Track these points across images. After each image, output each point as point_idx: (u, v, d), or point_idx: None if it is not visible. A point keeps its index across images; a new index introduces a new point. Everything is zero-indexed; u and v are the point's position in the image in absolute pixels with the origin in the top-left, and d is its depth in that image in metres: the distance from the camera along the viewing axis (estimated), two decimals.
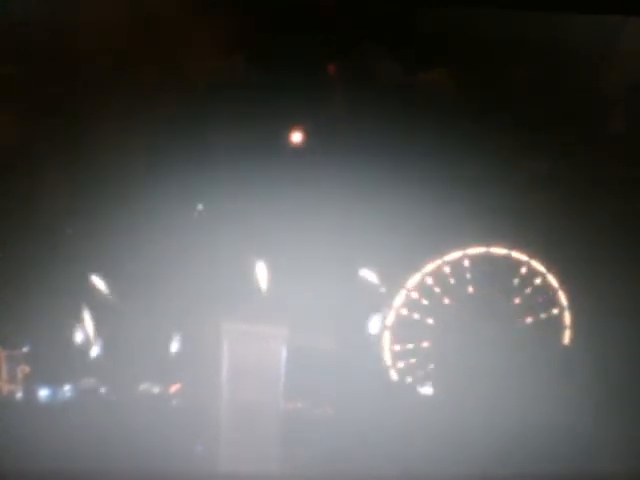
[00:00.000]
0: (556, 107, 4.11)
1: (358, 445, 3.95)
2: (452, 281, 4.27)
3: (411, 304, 4.26)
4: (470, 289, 4.26)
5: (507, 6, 3.68)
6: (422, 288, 4.26)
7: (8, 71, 3.77)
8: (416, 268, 4.26)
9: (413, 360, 4.26)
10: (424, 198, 4.03)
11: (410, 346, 4.26)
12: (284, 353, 3.92)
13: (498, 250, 4.24)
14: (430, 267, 4.27)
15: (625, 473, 3.96)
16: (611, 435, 3.99)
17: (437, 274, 4.27)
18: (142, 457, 3.77)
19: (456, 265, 4.26)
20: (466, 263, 4.26)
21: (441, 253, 4.25)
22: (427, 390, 4.24)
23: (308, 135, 3.99)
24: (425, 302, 4.26)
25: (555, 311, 4.26)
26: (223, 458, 3.90)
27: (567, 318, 4.26)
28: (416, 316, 4.26)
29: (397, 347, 4.27)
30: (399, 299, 4.26)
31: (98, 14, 3.73)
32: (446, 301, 4.27)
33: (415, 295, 4.26)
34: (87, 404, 3.94)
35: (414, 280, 4.27)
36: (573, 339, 4.26)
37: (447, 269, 4.27)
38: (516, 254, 4.24)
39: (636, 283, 4.14)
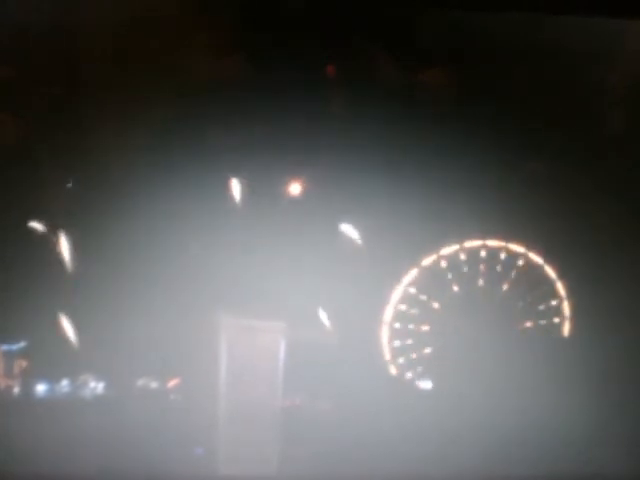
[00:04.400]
0: (556, 108, 4.14)
1: (357, 443, 3.93)
2: (449, 275, 4.27)
3: (409, 299, 4.26)
4: (467, 283, 4.27)
5: (507, 9, 3.71)
6: (419, 283, 4.27)
7: (8, 71, 3.78)
8: (413, 263, 4.26)
9: (412, 355, 4.25)
10: (423, 195, 4.04)
11: (409, 341, 4.26)
12: (282, 348, 3.91)
13: (494, 242, 4.25)
14: (427, 262, 4.28)
15: (626, 474, 3.96)
16: (611, 435, 3.98)
17: (434, 269, 4.28)
18: (139, 452, 3.74)
19: (453, 259, 4.26)
20: (462, 256, 4.26)
21: (437, 248, 4.26)
22: (426, 385, 4.23)
23: (308, 136, 3.99)
24: (423, 297, 4.26)
25: (554, 302, 4.27)
26: (221, 457, 3.87)
27: (566, 317, 4.27)
28: (414, 311, 4.26)
29: (396, 342, 4.27)
30: (397, 294, 4.26)
31: (97, 15, 3.75)
32: (443, 296, 4.27)
33: (413, 290, 4.26)
34: (83, 401, 3.91)
35: (411, 275, 4.27)
36: (572, 336, 4.27)
37: (444, 263, 4.28)
38: (513, 246, 4.25)
39: (635, 282, 4.15)
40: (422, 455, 3.90)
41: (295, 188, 4.09)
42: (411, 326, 4.25)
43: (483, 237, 4.24)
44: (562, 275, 4.27)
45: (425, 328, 4.25)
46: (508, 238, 4.24)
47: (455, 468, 3.90)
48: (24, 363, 3.89)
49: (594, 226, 4.21)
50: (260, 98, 3.87)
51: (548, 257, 4.25)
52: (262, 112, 3.88)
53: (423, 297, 4.26)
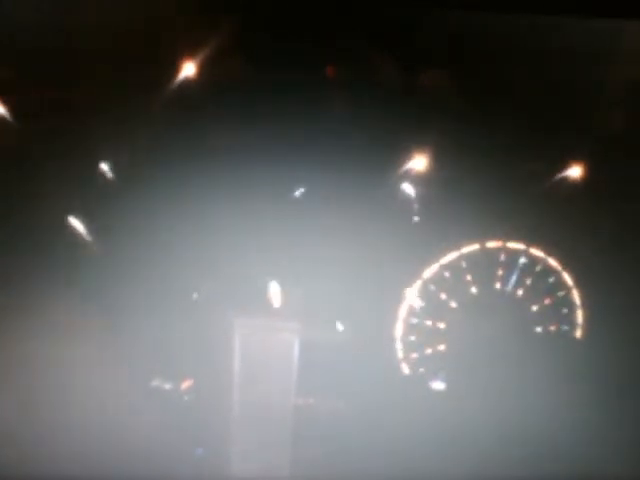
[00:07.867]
0: (557, 108, 4.17)
1: (370, 443, 3.92)
2: (456, 280, 4.27)
3: (419, 306, 4.29)
4: (484, 283, 4.28)
5: (507, 9, 3.76)
6: (426, 291, 4.28)
7: (8, 72, 3.88)
8: (426, 264, 4.28)
9: (426, 360, 4.25)
10: (432, 193, 4.09)
11: (422, 345, 4.26)
12: (296, 348, 3.93)
13: (514, 245, 4.26)
14: (431, 271, 4.29)
15: (628, 475, 3.91)
16: (615, 436, 3.93)
17: (437, 278, 4.29)
18: (152, 453, 3.76)
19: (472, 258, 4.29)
20: (482, 256, 4.28)
21: (443, 252, 4.27)
22: (438, 385, 4.22)
23: (308, 136, 4.05)
24: (441, 295, 4.27)
25: (566, 310, 4.26)
26: (235, 457, 3.88)
27: (578, 323, 4.26)
28: (425, 316, 4.27)
29: (413, 354, 4.27)
30: (409, 296, 4.28)
31: (97, 15, 3.84)
32: (460, 295, 4.28)
33: (422, 300, 4.28)
34: (97, 402, 3.94)
35: (417, 284, 4.29)
36: (579, 340, 4.25)
37: (446, 272, 4.30)
38: (533, 250, 4.26)
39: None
40: (436, 455, 3.90)
41: (304, 189, 4.13)
42: (423, 331, 4.26)
43: (503, 239, 4.24)
44: (578, 282, 4.26)
45: (439, 327, 4.25)
46: (529, 241, 4.24)
47: (462, 467, 3.88)
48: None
49: (603, 229, 4.22)
50: (260, 98, 3.94)
51: (566, 263, 4.25)
52: (262, 112, 3.95)
53: (441, 295, 4.27)
